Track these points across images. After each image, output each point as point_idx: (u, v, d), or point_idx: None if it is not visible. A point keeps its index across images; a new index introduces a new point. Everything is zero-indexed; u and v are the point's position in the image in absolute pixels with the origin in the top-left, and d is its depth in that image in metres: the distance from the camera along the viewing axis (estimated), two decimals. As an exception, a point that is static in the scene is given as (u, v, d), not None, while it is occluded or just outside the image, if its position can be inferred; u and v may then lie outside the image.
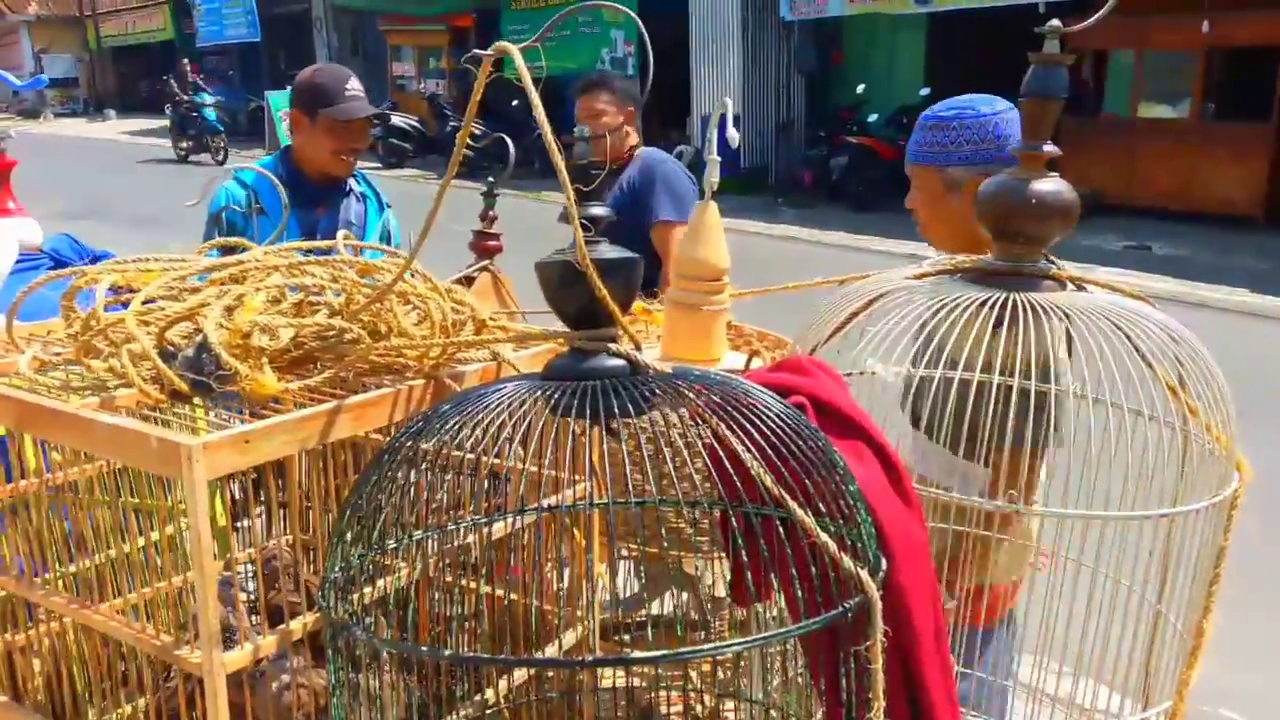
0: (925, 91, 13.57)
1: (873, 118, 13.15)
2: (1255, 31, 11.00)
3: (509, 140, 2.95)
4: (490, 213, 2.79)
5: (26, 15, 33.14)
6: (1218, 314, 8.33)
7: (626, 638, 1.75)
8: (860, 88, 13.51)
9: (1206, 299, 8.80)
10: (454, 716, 1.25)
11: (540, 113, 1.02)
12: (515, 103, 14.08)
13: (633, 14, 1.30)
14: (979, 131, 1.95)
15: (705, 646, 0.90)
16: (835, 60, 15.24)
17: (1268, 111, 11.36)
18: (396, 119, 17.98)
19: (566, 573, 1.43)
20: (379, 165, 16.99)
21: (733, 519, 1.07)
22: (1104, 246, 10.71)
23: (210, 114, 19.20)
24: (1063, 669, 1.50)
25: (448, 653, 1.04)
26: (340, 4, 22.29)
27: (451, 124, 17.39)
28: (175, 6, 28.62)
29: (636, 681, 1.49)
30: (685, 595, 1.72)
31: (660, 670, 1.51)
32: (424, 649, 1.09)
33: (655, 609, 1.77)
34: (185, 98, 19.58)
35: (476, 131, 16.02)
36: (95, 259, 2.54)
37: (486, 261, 2.72)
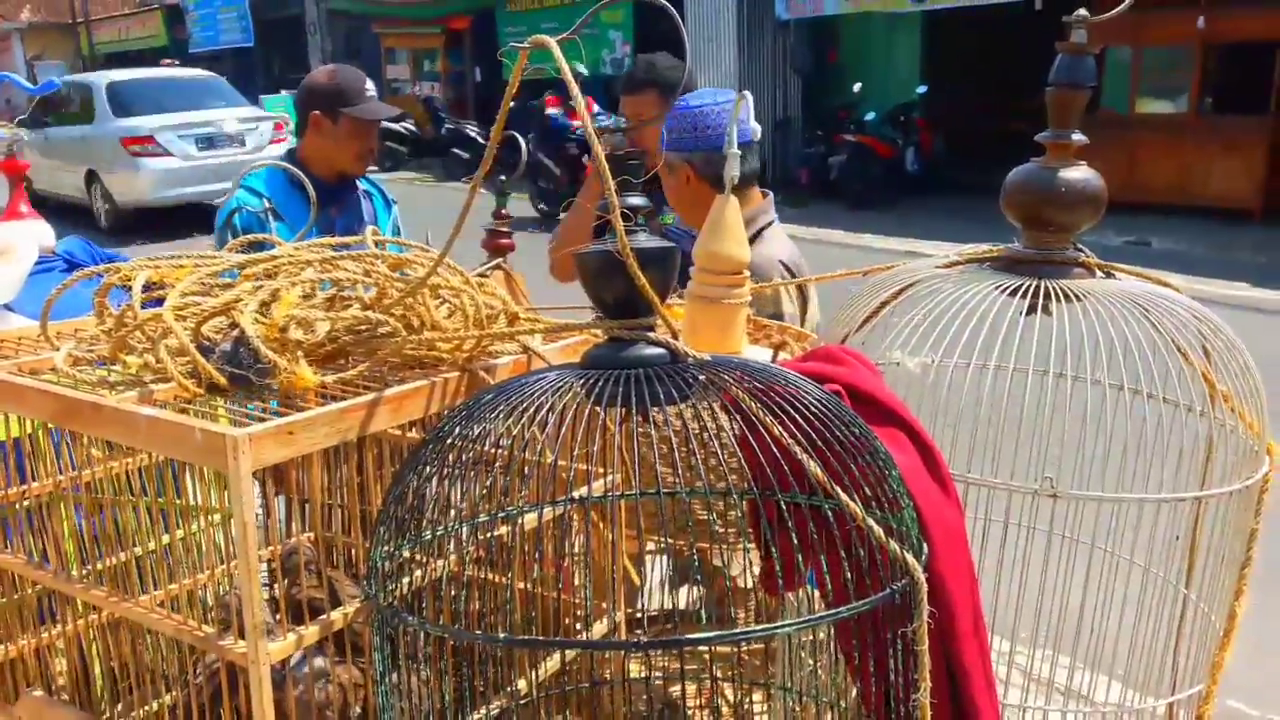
0: (922, 90, 13.60)
1: (870, 116, 13.16)
2: (1251, 26, 11.02)
3: (520, 139, 2.95)
4: (502, 211, 2.79)
5: (18, 23, 33.06)
6: (1219, 309, 8.29)
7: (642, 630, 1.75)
8: (857, 86, 13.52)
9: (1206, 293, 8.80)
10: (486, 709, 1.26)
11: (580, 103, 1.02)
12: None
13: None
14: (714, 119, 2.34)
15: (758, 628, 0.90)
16: (831, 59, 15.25)
17: (1264, 105, 11.39)
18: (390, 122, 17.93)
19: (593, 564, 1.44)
20: (374, 168, 16.95)
21: (763, 507, 1.07)
22: (1103, 242, 10.71)
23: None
24: (1087, 660, 1.50)
25: (504, 636, 1.04)
26: (335, 7, 22.24)
27: (447, 126, 17.33)
28: (168, 13, 28.55)
29: (660, 673, 1.49)
30: (700, 591, 1.72)
31: (678, 663, 1.51)
32: (478, 634, 1.10)
33: (681, 603, 1.77)
34: None
35: (480, 132, 15.87)
36: (108, 261, 2.55)
37: (499, 260, 2.72)
